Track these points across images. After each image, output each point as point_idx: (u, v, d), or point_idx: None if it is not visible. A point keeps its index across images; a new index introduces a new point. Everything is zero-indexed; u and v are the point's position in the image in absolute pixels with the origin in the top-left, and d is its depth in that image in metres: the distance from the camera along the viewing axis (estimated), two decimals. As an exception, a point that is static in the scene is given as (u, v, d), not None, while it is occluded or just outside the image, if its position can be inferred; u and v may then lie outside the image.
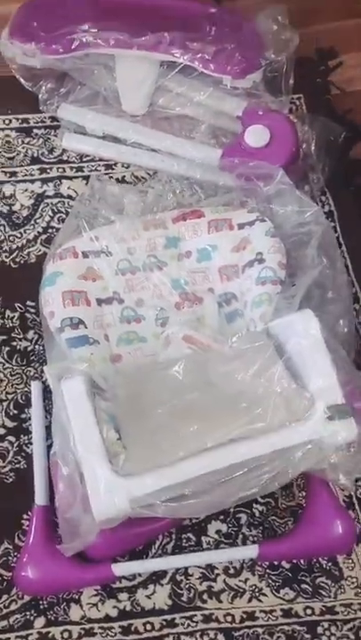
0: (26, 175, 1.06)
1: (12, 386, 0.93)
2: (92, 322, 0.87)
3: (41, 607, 0.82)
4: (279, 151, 0.99)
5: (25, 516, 0.85)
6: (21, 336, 0.96)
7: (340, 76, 1.17)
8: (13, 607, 0.82)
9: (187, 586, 0.84)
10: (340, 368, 0.75)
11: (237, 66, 1.03)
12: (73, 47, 1.04)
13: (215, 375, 0.78)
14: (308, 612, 0.83)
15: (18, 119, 1.10)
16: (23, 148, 1.08)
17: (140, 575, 0.84)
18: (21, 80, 1.09)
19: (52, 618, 0.81)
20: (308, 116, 1.11)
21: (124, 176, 1.08)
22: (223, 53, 1.03)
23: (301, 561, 0.85)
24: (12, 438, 0.90)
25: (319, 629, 0.82)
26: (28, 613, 0.81)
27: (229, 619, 0.83)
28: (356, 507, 0.89)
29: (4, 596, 0.82)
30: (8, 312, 0.97)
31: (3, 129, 1.09)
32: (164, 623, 0.82)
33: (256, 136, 1.00)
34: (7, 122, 1.10)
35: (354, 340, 0.87)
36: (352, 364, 0.82)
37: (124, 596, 0.83)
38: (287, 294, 0.86)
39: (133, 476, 0.69)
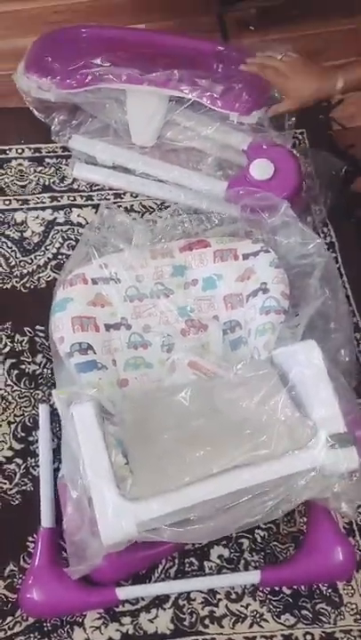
0: (37, 203, 1.10)
1: (20, 408, 0.95)
2: (100, 347, 0.90)
3: (45, 629, 0.83)
4: (283, 184, 1.03)
5: (30, 539, 0.87)
6: (30, 360, 0.98)
7: (341, 113, 1.21)
8: (17, 629, 0.82)
9: (189, 610, 0.85)
10: (341, 397, 0.77)
11: (244, 103, 1.07)
12: (86, 82, 1.08)
13: (220, 402, 0.80)
14: (308, 637, 0.84)
15: (30, 149, 1.14)
16: (35, 176, 1.12)
17: (142, 599, 0.85)
18: (35, 112, 1.13)
19: (56, 640, 0.82)
20: (311, 150, 1.15)
21: (133, 205, 1.11)
22: (230, 91, 1.07)
23: (302, 587, 0.86)
24: (19, 460, 0.91)
25: (319, 656, 0.83)
26: (32, 635, 0.82)
27: (231, 644, 0.84)
28: (357, 533, 0.91)
29: (9, 618, 0.83)
30: (18, 336, 0.99)
31: (16, 158, 1.13)
32: (166, 647, 0.83)
33: (261, 169, 1.04)
34: (20, 151, 1.13)
35: (355, 368, 0.89)
36: (353, 393, 0.85)
37: (127, 619, 0.84)
38: (290, 324, 0.88)
39: (140, 500, 0.71)
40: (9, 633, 0.82)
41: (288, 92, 0.99)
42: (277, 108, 1.03)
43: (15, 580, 0.85)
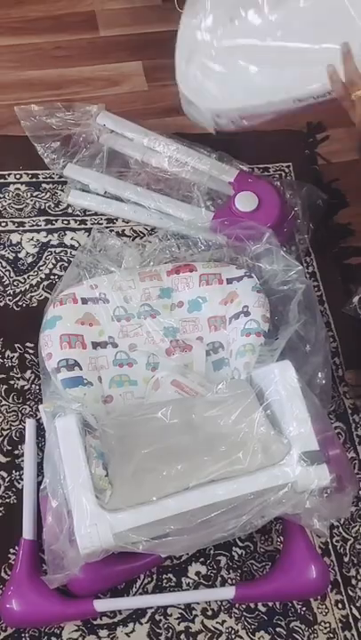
0: (33, 225, 1.14)
1: (7, 422, 0.97)
2: (86, 364, 0.93)
3: (23, 640, 0.84)
4: (266, 215, 1.08)
5: (12, 550, 0.88)
6: (19, 375, 1.01)
7: (326, 148, 1.27)
8: (-5, 640, 0.84)
9: (165, 625, 0.86)
10: (315, 416, 0.80)
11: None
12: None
13: (199, 419, 0.83)
14: (282, 655, 0.86)
15: (28, 174, 1.19)
16: (31, 200, 1.17)
17: (120, 613, 0.86)
18: (31, 140, 1.18)
19: (33, 652, 0.83)
20: (296, 182, 1.20)
21: (124, 230, 1.16)
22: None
23: (277, 604, 0.88)
24: (3, 473, 0.94)
25: (292, 673, 0.84)
26: (9, 647, 0.84)
27: (205, 660, 0.85)
28: (332, 553, 0.93)
29: (-13, 629, 0.84)
30: (8, 352, 1.03)
31: (14, 183, 1.18)
32: (142, 662, 0.84)
33: (245, 201, 1.09)
34: (18, 176, 1.19)
35: (330, 390, 0.92)
36: (326, 414, 0.88)
37: (104, 632, 0.85)
38: (270, 346, 0.92)
39: (118, 511, 0.73)
40: (-13, 644, 0.84)
41: None
42: None
43: (-5, 590, 0.86)
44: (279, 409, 0.81)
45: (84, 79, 1.32)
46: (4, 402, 0.99)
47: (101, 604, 0.83)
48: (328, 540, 0.93)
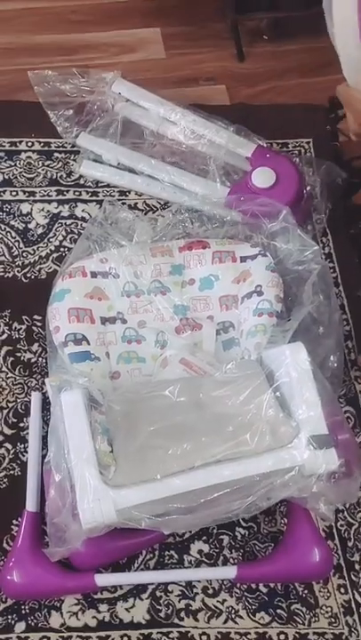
0: (44, 195, 1.12)
1: (12, 395, 0.97)
2: (94, 339, 0.92)
3: (22, 612, 0.84)
4: (283, 192, 1.05)
5: (15, 522, 0.88)
6: (26, 348, 1.00)
7: (348, 125, 1.22)
8: (-4, 610, 0.84)
9: (165, 602, 0.86)
10: (325, 400, 0.78)
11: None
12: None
13: (207, 398, 0.82)
14: (282, 637, 0.85)
15: (40, 142, 1.16)
16: (43, 169, 1.14)
17: (120, 588, 0.86)
18: (44, 107, 1.15)
19: (33, 623, 0.84)
20: (316, 159, 1.17)
21: (137, 203, 1.13)
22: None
23: (278, 586, 0.88)
24: (8, 445, 0.93)
25: (291, 655, 0.84)
26: (9, 617, 0.84)
27: (205, 638, 0.85)
28: (336, 537, 0.92)
29: (-12, 599, 0.85)
30: (15, 324, 1.01)
31: (25, 150, 1.15)
32: (141, 637, 0.84)
33: (262, 177, 1.06)
34: (30, 144, 1.16)
35: (341, 374, 0.90)
36: (336, 398, 0.86)
37: (104, 607, 0.85)
38: (283, 327, 0.90)
39: (122, 487, 0.73)
40: (-13, 613, 0.84)
41: None
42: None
43: (-3, 561, 0.86)
44: (289, 391, 0.80)
45: (99, 45, 1.28)
46: (10, 374, 0.98)
47: (102, 579, 0.83)
48: (333, 523, 0.92)
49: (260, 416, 0.77)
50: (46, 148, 1.16)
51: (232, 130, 1.15)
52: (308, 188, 1.12)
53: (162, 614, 0.85)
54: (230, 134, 1.13)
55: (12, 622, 0.84)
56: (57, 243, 1.09)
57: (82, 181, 1.14)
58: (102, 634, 0.84)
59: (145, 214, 1.12)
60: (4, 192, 1.11)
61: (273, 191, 1.05)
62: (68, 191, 1.13)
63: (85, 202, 1.12)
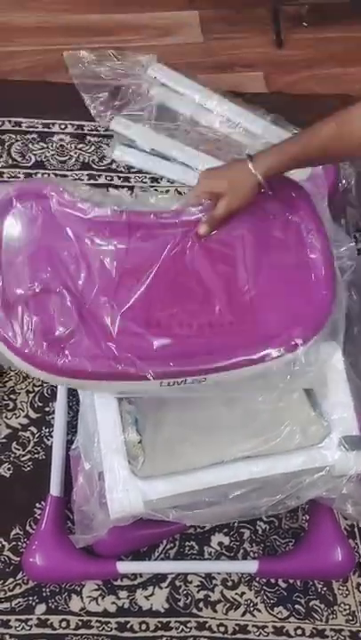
0: (75, 179, 1.11)
1: (39, 380, 0.96)
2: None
3: (43, 594, 0.85)
4: (319, 186, 1.02)
5: (38, 505, 0.89)
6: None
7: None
8: (17, 591, 0.85)
9: (185, 592, 0.87)
10: (357, 401, 0.77)
11: None
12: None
13: (238, 394, 0.81)
14: (299, 632, 0.86)
15: (74, 125, 1.15)
16: (75, 153, 1.13)
17: (141, 576, 0.87)
18: (79, 90, 1.14)
19: (53, 606, 0.85)
20: (352, 153, 1.14)
21: (168, 190, 1.12)
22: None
23: (298, 582, 0.88)
24: (34, 429, 0.94)
25: (308, 651, 0.85)
26: (30, 599, 0.85)
27: (222, 629, 0.85)
28: (357, 536, 0.92)
29: (10, 579, 0.85)
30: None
31: (58, 133, 1.14)
32: (159, 625, 0.85)
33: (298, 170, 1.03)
34: (63, 127, 1.15)
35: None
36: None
37: (123, 593, 0.86)
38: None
39: (150, 479, 0.73)
40: (8, 594, 0.85)
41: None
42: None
43: (20, 543, 0.87)
44: (322, 390, 0.79)
45: (136, 27, 1.26)
46: (37, 358, 0.98)
47: (124, 566, 0.84)
48: (354, 522, 0.92)
49: (292, 414, 0.77)
50: (79, 132, 1.15)
51: (269, 119, 1.13)
52: (343, 182, 1.10)
53: (180, 604, 0.86)
54: (266, 124, 1.10)
55: (33, 604, 0.84)
56: (87, 227, 1.07)
57: (114, 166, 1.13)
58: (121, 619, 0.85)
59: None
60: (36, 174, 1.10)
61: (308, 183, 1.03)
62: (99, 176, 1.12)
63: (117, 187, 1.11)
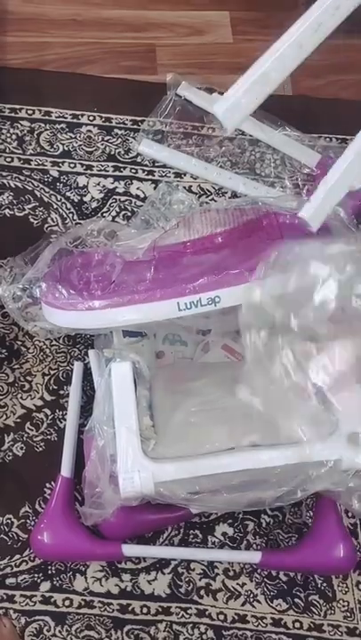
0: (100, 170, 1.13)
1: (55, 362, 0.99)
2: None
3: (49, 572, 0.87)
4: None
5: (48, 485, 0.91)
6: (72, 318, 1.02)
7: None
8: (24, 567, 0.87)
9: (187, 579, 0.88)
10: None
11: None
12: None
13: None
14: (297, 625, 0.87)
15: (102, 117, 1.17)
16: (102, 144, 1.15)
17: (145, 560, 0.88)
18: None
19: (57, 584, 0.86)
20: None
21: (191, 186, 1.14)
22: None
23: (298, 576, 0.89)
24: (47, 411, 0.96)
25: (305, 644, 0.86)
26: (36, 576, 0.87)
27: (222, 617, 0.87)
28: (360, 535, 0.92)
29: (17, 556, 0.87)
30: (63, 294, 1.03)
31: (86, 124, 1.16)
32: (160, 609, 0.86)
33: None
34: (91, 118, 1.17)
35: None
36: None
37: (127, 576, 0.88)
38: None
39: (161, 461, 0.74)
40: (15, 570, 0.87)
41: None
42: None
43: (28, 521, 0.89)
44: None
45: (167, 24, 1.28)
46: (54, 342, 1.00)
47: (129, 549, 0.85)
48: (357, 520, 0.93)
49: (302, 406, 0.78)
50: (107, 124, 1.17)
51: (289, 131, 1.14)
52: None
53: (182, 590, 0.87)
54: (292, 142, 1.12)
55: (38, 581, 0.86)
56: (109, 218, 1.10)
57: (139, 159, 1.15)
58: (123, 602, 0.86)
59: (198, 198, 1.12)
60: (63, 163, 1.13)
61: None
62: (125, 168, 1.14)
63: (141, 180, 1.13)
